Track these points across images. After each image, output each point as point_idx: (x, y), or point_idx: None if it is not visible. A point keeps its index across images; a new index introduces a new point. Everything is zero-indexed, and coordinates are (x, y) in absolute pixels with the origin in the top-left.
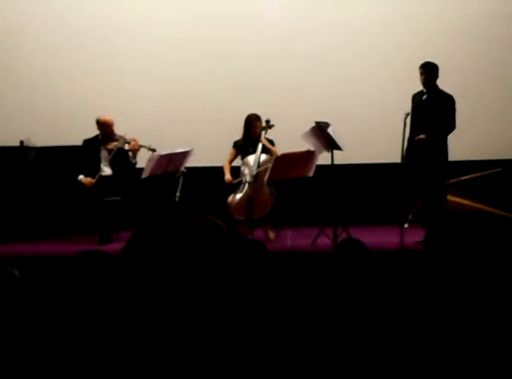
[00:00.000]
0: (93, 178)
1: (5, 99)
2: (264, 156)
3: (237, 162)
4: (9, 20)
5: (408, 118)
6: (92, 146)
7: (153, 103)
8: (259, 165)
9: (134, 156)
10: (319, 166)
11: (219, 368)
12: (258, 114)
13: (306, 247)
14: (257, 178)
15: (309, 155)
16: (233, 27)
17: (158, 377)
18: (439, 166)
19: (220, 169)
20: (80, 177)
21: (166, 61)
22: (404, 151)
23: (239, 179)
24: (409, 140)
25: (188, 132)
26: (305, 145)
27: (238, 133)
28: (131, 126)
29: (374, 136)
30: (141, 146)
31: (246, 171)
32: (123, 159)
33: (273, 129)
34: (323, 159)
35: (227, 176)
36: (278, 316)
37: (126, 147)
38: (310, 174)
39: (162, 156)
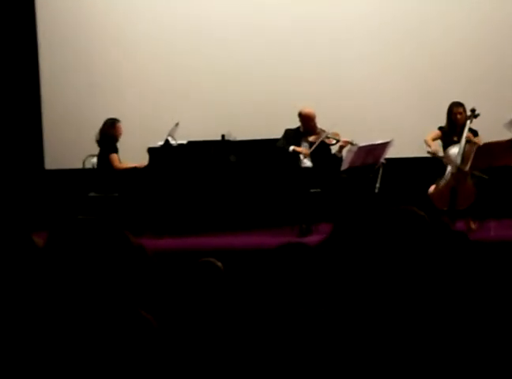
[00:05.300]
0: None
1: (206, 95)
2: (467, 146)
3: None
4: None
5: None
6: (293, 137)
7: (354, 89)
8: (464, 155)
9: (340, 151)
10: None
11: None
12: (462, 102)
13: (511, 238)
14: (460, 168)
15: None
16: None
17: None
18: None
19: (420, 160)
20: (292, 147)
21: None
22: None
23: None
24: None
25: (389, 123)
26: (507, 135)
27: (439, 123)
28: (330, 118)
29: None
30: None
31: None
32: (324, 152)
33: (478, 118)
34: None
35: (434, 148)
36: (484, 304)
37: (328, 141)
38: None
39: (361, 148)
